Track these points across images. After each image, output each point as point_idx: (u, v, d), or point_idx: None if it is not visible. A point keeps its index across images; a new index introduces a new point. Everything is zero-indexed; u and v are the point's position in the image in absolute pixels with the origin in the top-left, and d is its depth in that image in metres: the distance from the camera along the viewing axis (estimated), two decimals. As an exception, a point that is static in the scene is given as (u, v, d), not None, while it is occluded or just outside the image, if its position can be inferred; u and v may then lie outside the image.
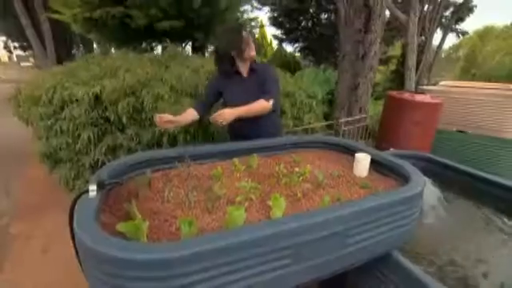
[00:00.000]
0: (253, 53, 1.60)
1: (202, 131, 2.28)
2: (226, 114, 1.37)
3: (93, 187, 0.89)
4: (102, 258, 0.66)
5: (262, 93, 1.54)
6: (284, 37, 11.04)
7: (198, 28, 4.13)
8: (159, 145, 2.19)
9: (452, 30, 11.72)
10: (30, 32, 7.67)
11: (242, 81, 1.66)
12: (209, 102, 1.71)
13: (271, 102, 1.53)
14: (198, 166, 1.32)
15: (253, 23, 5.39)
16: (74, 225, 0.75)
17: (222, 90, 1.69)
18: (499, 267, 1.22)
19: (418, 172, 1.15)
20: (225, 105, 1.67)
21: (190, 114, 1.59)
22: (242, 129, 1.64)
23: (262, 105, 1.49)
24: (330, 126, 3.61)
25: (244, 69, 1.65)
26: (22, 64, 20.43)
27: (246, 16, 5.14)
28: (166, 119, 1.40)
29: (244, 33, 1.58)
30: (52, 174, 2.44)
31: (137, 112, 2.15)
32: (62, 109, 2.15)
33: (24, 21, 7.51)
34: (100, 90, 2.08)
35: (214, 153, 1.37)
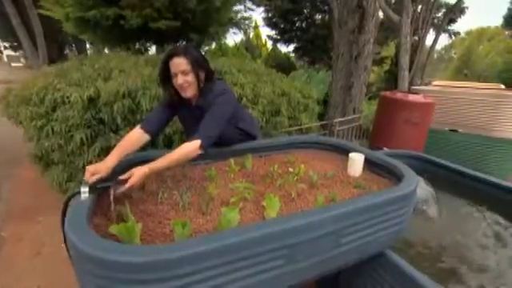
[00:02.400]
0: (188, 94, 1.28)
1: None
2: (134, 178, 0.95)
3: (85, 189, 0.88)
4: (92, 261, 0.65)
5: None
6: (278, 37, 11.09)
7: (192, 28, 4.12)
8: (154, 145, 2.17)
9: (444, 31, 11.92)
10: (20, 32, 7.54)
11: (192, 108, 1.37)
12: (164, 118, 1.36)
13: (202, 141, 1.17)
14: (192, 167, 1.31)
15: (247, 22, 5.42)
16: (66, 227, 0.74)
17: (176, 112, 1.42)
18: (489, 264, 1.24)
19: (411, 171, 1.16)
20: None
21: (136, 142, 1.21)
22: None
23: (183, 152, 1.12)
24: (324, 126, 3.63)
25: (193, 98, 1.35)
26: (13, 64, 20.10)
27: (239, 16, 5.16)
28: (91, 173, 1.00)
29: (176, 62, 1.21)
30: (44, 175, 2.40)
31: (131, 113, 2.13)
32: (54, 110, 2.12)
33: (14, 20, 7.38)
34: (93, 91, 2.05)
35: (209, 153, 1.36)
